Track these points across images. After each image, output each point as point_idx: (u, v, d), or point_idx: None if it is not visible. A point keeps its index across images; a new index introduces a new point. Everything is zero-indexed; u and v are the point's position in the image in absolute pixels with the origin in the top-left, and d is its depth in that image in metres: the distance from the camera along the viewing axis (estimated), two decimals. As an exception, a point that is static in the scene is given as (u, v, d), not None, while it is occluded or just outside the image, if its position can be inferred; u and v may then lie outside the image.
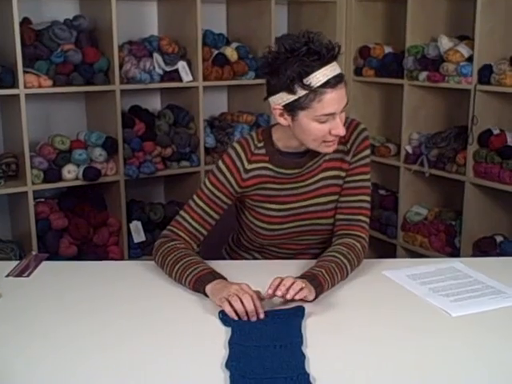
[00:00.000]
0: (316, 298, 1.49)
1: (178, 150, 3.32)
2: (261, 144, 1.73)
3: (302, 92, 1.53)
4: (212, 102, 3.62)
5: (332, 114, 1.56)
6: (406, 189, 3.55)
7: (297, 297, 1.42)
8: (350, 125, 1.74)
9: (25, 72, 2.83)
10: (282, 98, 1.57)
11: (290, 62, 1.51)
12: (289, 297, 1.42)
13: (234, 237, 1.98)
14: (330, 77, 1.52)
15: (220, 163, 1.73)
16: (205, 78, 3.32)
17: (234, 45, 3.48)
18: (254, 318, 1.39)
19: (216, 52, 3.39)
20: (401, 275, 1.69)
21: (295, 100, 1.55)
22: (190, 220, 1.73)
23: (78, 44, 3.02)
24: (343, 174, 1.74)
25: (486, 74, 2.99)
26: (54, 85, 2.96)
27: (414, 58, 3.32)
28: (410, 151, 3.47)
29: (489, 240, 3.15)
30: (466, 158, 3.17)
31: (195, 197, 1.74)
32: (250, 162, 1.72)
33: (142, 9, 3.42)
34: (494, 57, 3.01)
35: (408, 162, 3.48)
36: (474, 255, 3.15)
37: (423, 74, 3.28)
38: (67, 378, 1.20)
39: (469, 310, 1.47)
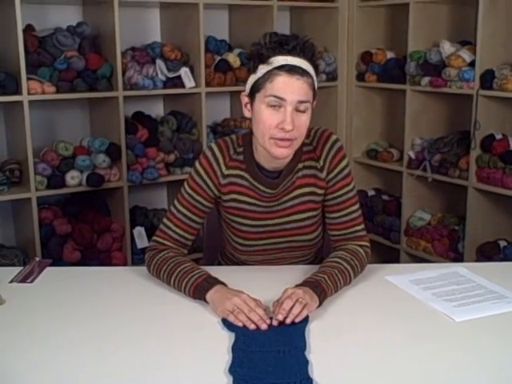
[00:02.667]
0: (320, 305, 1.49)
1: (181, 156, 3.32)
2: (240, 149, 1.69)
3: (261, 71, 1.52)
4: (215, 107, 3.62)
5: (281, 100, 1.50)
6: (408, 194, 3.55)
7: (297, 319, 1.40)
8: (320, 138, 1.68)
9: (28, 79, 2.84)
10: (248, 83, 1.57)
11: (259, 47, 1.53)
12: (288, 321, 1.39)
13: (221, 252, 1.95)
14: (289, 63, 1.50)
15: (197, 165, 1.69)
16: (207, 84, 3.33)
17: (237, 51, 3.48)
18: (264, 326, 1.37)
19: (218, 58, 3.40)
20: (404, 280, 1.68)
21: (255, 81, 1.54)
22: (174, 227, 1.70)
23: (81, 50, 3.04)
24: (320, 191, 1.69)
25: (488, 78, 3.00)
26: (58, 91, 2.97)
27: (416, 63, 3.32)
28: (413, 156, 3.47)
29: (492, 245, 3.14)
30: (468, 163, 3.17)
31: (176, 202, 1.71)
32: (227, 166, 1.68)
33: (144, 15, 3.43)
34: (496, 62, 3.02)
35: (411, 167, 3.48)
36: (477, 260, 3.15)
37: (425, 80, 3.29)
38: (70, 383, 1.20)
39: (472, 314, 1.47)
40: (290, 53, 1.51)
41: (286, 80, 1.50)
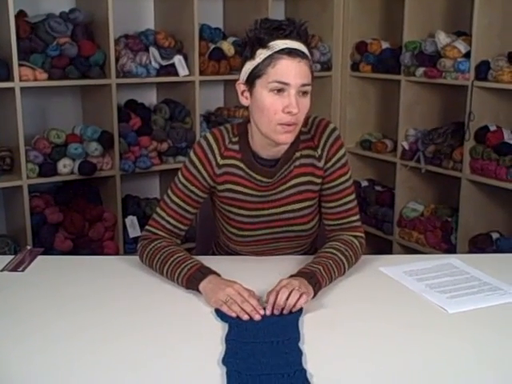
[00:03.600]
0: (314, 296, 1.48)
1: (174, 145, 3.31)
2: (235, 139, 1.67)
3: (261, 57, 1.51)
4: (208, 96, 3.60)
5: (285, 85, 1.49)
6: (402, 185, 3.55)
7: (295, 308, 1.40)
8: (318, 126, 1.68)
9: (20, 65, 2.82)
10: (245, 70, 1.55)
11: (257, 32, 1.52)
12: (286, 312, 1.39)
13: (215, 241, 1.93)
14: (289, 46, 1.50)
15: (192, 155, 1.67)
16: (201, 73, 3.31)
17: (231, 39, 3.46)
18: (257, 317, 1.37)
19: (213, 46, 3.38)
20: (398, 271, 1.68)
21: (255, 68, 1.52)
22: (167, 217, 1.68)
23: (73, 37, 3.01)
24: (317, 180, 1.69)
25: (483, 70, 2.99)
26: (50, 78, 2.94)
27: (411, 53, 3.31)
28: (407, 147, 3.46)
29: (485, 237, 3.15)
30: (462, 155, 3.17)
31: (170, 192, 1.69)
32: (222, 156, 1.66)
33: (138, 2, 3.40)
34: (492, 53, 3.01)
35: (404, 158, 3.48)
36: (470, 252, 3.16)
37: (420, 70, 3.28)
38: (63, 373, 1.19)
39: (465, 306, 1.47)
40: (287, 37, 1.50)
41: (288, 63, 1.49)
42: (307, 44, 1.54)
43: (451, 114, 3.45)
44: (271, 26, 1.51)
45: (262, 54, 1.51)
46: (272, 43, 1.50)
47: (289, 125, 1.52)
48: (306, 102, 1.54)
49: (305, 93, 1.53)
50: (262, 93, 1.52)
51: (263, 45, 1.51)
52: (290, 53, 1.49)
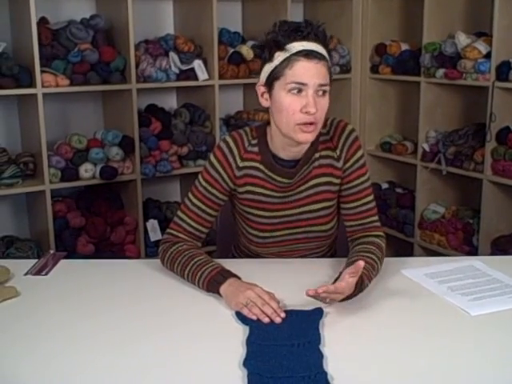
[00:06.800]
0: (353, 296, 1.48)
1: (194, 149, 3.32)
2: (255, 141, 1.69)
3: (279, 59, 1.53)
4: (228, 100, 3.61)
5: (303, 85, 1.51)
6: (422, 187, 3.53)
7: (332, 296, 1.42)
8: (336, 127, 1.69)
9: (42, 71, 2.85)
10: (264, 72, 1.57)
11: (275, 35, 1.54)
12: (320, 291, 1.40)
13: (235, 244, 1.94)
14: (306, 48, 1.51)
15: (212, 158, 1.69)
16: (221, 77, 3.32)
17: (250, 43, 3.47)
18: (278, 319, 1.38)
19: (232, 50, 3.39)
20: (419, 274, 1.67)
21: (273, 70, 1.54)
22: (188, 220, 1.69)
23: (94, 43, 3.04)
24: (336, 180, 1.69)
25: (504, 70, 2.96)
26: (71, 84, 2.97)
27: (430, 54, 3.29)
28: (427, 149, 3.44)
29: (507, 238, 3.12)
30: (483, 156, 3.14)
31: (190, 195, 1.71)
32: (242, 159, 1.68)
33: (158, 7, 3.43)
34: (513, 53, 2.98)
35: (425, 159, 3.46)
36: (492, 254, 3.13)
37: (440, 71, 3.26)
38: (84, 375, 1.20)
39: (488, 309, 1.46)
40: (304, 38, 1.52)
41: (305, 65, 1.51)
42: (325, 45, 1.55)
43: (472, 115, 3.43)
44: (289, 29, 1.53)
45: (279, 57, 1.52)
46: (289, 45, 1.52)
47: (307, 124, 1.53)
48: (324, 101, 1.55)
49: (323, 93, 1.54)
50: (280, 94, 1.54)
51: (281, 47, 1.52)
52: (307, 54, 1.50)
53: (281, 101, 1.54)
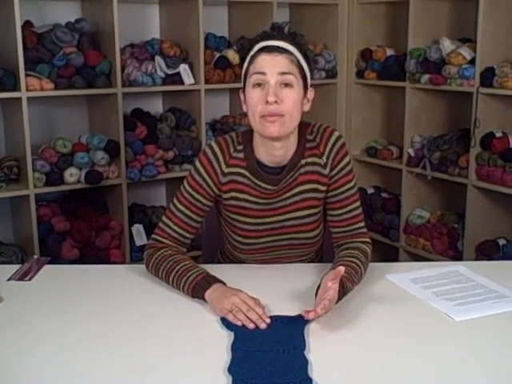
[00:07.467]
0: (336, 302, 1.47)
1: (179, 153, 3.31)
2: (240, 147, 1.68)
3: (246, 61, 1.59)
4: (214, 104, 3.62)
5: (262, 75, 1.53)
6: (408, 192, 3.55)
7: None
8: (323, 134, 1.68)
9: (27, 75, 2.83)
10: (242, 77, 1.62)
11: (246, 40, 1.63)
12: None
13: (220, 250, 1.94)
14: (269, 44, 1.56)
15: (197, 163, 1.68)
16: (206, 81, 3.32)
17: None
18: (263, 325, 1.37)
19: (218, 55, 3.39)
20: (404, 279, 1.68)
21: (244, 72, 1.60)
22: (173, 225, 1.69)
23: (79, 47, 3.02)
24: (322, 187, 1.69)
25: (488, 76, 2.99)
26: (56, 88, 2.95)
27: (416, 60, 3.31)
28: (413, 154, 3.46)
29: (492, 243, 3.14)
30: (468, 161, 3.16)
31: (175, 200, 1.70)
32: (227, 164, 1.67)
33: (143, 11, 3.42)
34: (497, 59, 3.01)
35: (410, 164, 3.48)
36: (476, 258, 3.15)
37: (425, 77, 3.28)
38: (69, 381, 1.19)
39: (472, 314, 1.47)
40: (270, 38, 1.57)
41: (264, 57, 1.55)
42: (296, 43, 1.58)
43: (457, 120, 3.45)
44: (257, 35, 1.59)
45: (247, 59, 1.59)
46: (255, 47, 1.57)
47: (271, 115, 1.53)
48: (289, 93, 1.55)
49: (287, 84, 1.54)
50: (248, 91, 1.58)
51: (248, 51, 1.59)
52: (267, 48, 1.55)
53: (248, 97, 1.58)
